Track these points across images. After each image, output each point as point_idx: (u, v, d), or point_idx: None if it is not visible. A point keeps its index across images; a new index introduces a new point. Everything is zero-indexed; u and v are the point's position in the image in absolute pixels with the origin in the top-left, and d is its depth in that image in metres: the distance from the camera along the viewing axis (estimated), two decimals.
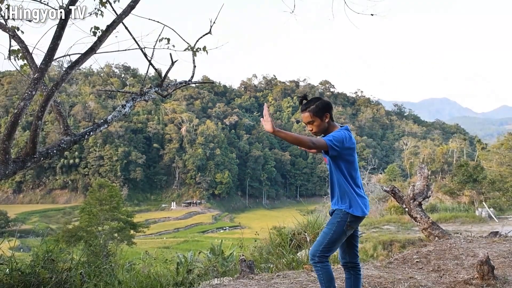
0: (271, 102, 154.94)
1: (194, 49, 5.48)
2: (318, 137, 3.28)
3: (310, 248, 3.51)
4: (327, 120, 3.33)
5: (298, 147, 3.15)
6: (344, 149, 3.20)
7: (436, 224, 7.66)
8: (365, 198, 3.43)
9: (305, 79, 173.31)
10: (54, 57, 4.22)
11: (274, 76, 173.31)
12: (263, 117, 2.95)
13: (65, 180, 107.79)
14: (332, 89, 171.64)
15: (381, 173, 70.82)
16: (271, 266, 6.15)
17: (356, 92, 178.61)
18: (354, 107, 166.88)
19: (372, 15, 5.56)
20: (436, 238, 7.21)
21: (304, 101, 3.38)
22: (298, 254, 6.80)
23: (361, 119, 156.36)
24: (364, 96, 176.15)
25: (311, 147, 3.05)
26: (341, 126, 3.36)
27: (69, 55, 4.83)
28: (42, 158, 4.15)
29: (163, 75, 5.49)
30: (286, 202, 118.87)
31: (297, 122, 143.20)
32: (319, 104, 3.31)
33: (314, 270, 3.51)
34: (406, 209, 7.84)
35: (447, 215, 21.91)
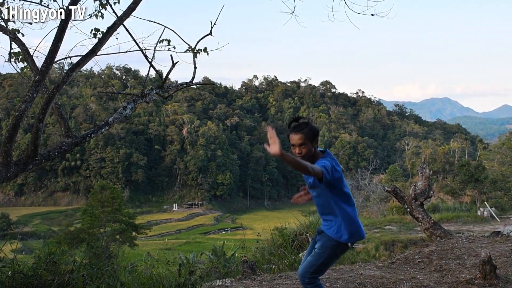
0: (272, 103, 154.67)
1: (195, 51, 5.48)
2: (314, 165, 3.24)
3: (300, 267, 3.50)
4: (315, 146, 3.38)
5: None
6: (335, 173, 3.26)
7: (438, 224, 7.65)
8: (358, 223, 3.44)
9: (306, 80, 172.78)
10: (55, 60, 4.23)
11: (275, 77, 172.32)
12: (267, 143, 2.79)
13: (66, 182, 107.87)
14: (333, 90, 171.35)
15: (382, 174, 70.83)
16: (273, 267, 6.15)
17: (357, 93, 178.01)
18: (355, 107, 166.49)
19: (372, 15, 5.55)
20: (438, 238, 7.20)
21: (294, 123, 3.38)
22: (300, 255, 6.79)
23: (362, 120, 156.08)
24: (365, 97, 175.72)
25: (310, 173, 3.07)
26: (321, 151, 3.42)
27: (70, 57, 4.84)
28: (43, 161, 4.16)
29: (164, 76, 5.50)
30: (288, 203, 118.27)
31: None
32: (313, 129, 3.34)
33: None
34: (408, 209, 7.84)
35: (449, 215, 21.91)
